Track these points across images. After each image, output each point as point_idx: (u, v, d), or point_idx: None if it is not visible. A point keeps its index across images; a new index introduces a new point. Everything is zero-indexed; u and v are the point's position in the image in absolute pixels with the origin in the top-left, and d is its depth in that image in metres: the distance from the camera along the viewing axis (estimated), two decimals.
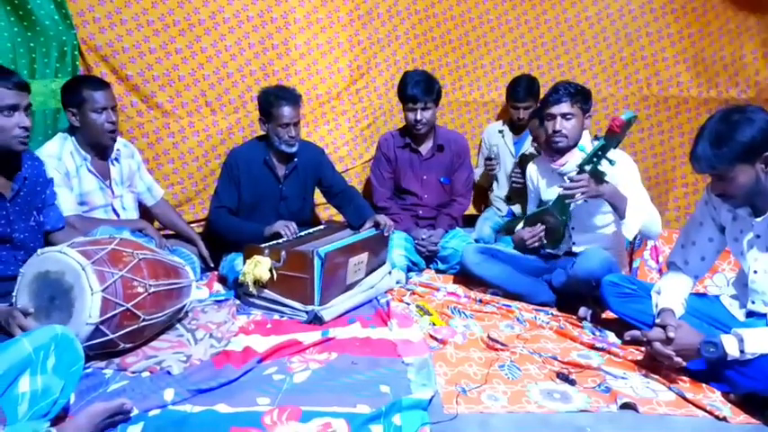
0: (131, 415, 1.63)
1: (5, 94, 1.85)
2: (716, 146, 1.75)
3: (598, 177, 2.32)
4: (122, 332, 1.91)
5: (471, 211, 3.70)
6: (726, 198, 1.86)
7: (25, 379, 1.45)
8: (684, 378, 1.94)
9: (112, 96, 2.54)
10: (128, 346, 1.98)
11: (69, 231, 2.27)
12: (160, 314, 2.05)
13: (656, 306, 2.04)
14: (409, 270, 3.01)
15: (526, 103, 3.36)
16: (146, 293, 1.97)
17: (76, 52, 2.84)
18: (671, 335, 1.87)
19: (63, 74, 2.77)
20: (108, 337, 1.87)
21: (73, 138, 2.51)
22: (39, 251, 1.90)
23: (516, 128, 3.50)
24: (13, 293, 1.87)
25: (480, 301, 2.67)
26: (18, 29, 2.63)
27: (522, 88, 3.37)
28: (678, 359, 1.87)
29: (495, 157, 3.52)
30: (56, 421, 1.51)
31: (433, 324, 2.38)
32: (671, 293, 2.04)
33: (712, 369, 1.88)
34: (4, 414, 1.34)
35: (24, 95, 1.91)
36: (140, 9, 2.93)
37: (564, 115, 2.50)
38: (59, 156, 2.44)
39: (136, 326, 1.95)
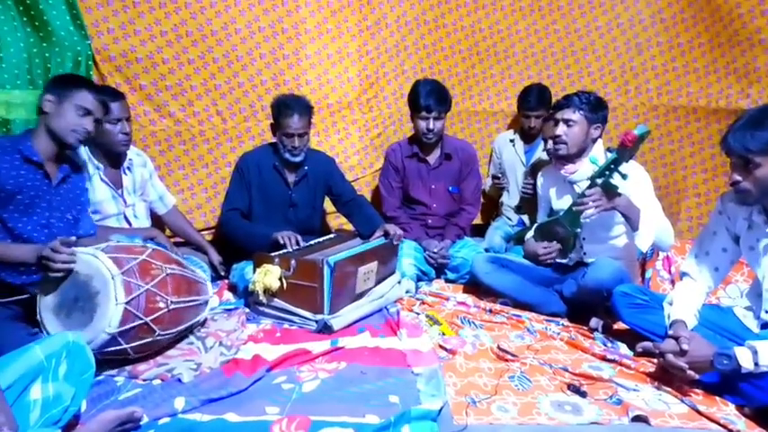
0: (141, 423, 1.63)
1: (89, 99, 2.11)
2: (754, 127, 1.75)
3: (610, 191, 2.31)
4: (136, 344, 1.93)
5: (481, 220, 3.71)
6: (740, 192, 1.84)
7: (37, 386, 1.46)
8: (697, 390, 1.92)
9: (127, 107, 2.57)
10: (137, 356, 1.99)
11: (98, 239, 2.29)
12: (174, 330, 2.07)
13: (669, 317, 2.02)
14: (419, 279, 3.01)
15: (537, 111, 3.36)
16: (165, 309, 1.99)
17: (90, 62, 2.88)
18: (684, 347, 1.85)
19: None
20: (121, 347, 1.89)
21: (86, 147, 2.53)
22: (73, 248, 1.91)
23: (527, 137, 3.50)
24: (38, 290, 1.90)
25: (490, 310, 2.66)
26: (34, 39, 2.68)
27: (533, 97, 3.38)
28: (691, 372, 1.85)
29: (503, 175, 3.54)
30: (67, 428, 1.52)
31: (443, 334, 2.37)
32: (683, 304, 2.03)
33: (726, 381, 1.86)
34: (16, 421, 1.35)
35: (99, 109, 2.16)
36: (153, 20, 2.97)
37: (566, 121, 2.50)
38: None
39: (150, 339, 1.97)
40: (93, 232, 2.32)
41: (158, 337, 1.99)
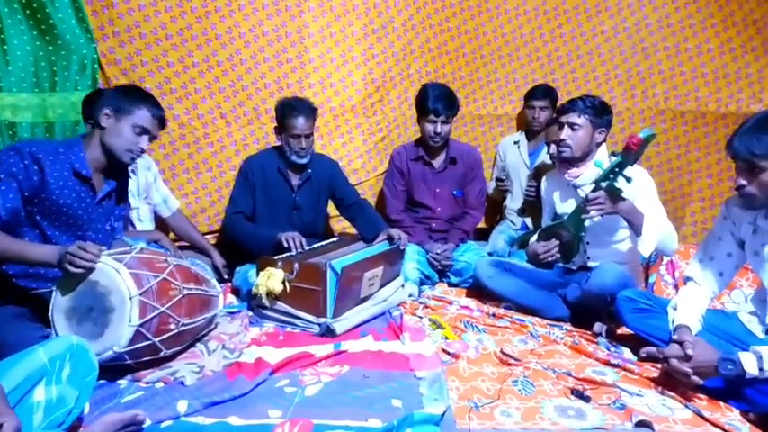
0: (144, 426, 1.63)
1: (148, 118, 2.05)
2: (761, 131, 1.74)
3: (614, 194, 2.30)
4: (141, 360, 1.93)
5: (485, 224, 3.70)
6: (745, 196, 1.83)
7: (40, 388, 1.46)
8: (702, 396, 1.91)
9: None
10: (141, 367, 1.99)
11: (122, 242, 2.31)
12: (179, 347, 2.08)
13: (673, 322, 2.01)
14: (422, 283, 3.01)
15: (543, 102, 3.38)
16: (176, 331, 1.98)
17: (96, 66, 2.90)
18: (689, 352, 1.84)
19: (83, 87, 2.83)
20: (126, 362, 1.89)
21: None
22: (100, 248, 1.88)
23: (532, 133, 3.49)
24: (55, 286, 1.87)
25: (493, 315, 2.65)
26: (40, 43, 2.70)
27: (539, 89, 3.43)
28: (695, 377, 1.84)
29: (507, 178, 3.54)
30: (70, 431, 1.52)
31: (446, 338, 2.37)
32: (687, 309, 2.01)
33: (731, 387, 1.85)
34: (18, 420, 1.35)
35: (156, 130, 2.11)
36: (159, 24, 2.99)
37: (571, 125, 2.51)
38: None
39: (155, 356, 1.97)
40: (120, 236, 2.30)
41: (162, 355, 1.99)
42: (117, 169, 2.15)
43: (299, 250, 2.62)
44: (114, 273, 1.83)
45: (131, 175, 2.67)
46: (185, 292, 2.03)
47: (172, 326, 1.97)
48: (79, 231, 2.06)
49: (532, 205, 3.35)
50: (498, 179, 3.60)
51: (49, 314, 1.86)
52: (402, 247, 2.79)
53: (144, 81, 3.03)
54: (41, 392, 1.46)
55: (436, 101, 3.02)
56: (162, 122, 2.13)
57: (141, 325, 1.84)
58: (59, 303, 1.85)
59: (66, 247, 1.79)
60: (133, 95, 2.08)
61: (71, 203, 2.00)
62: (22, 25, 2.66)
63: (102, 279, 1.83)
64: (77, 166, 1.99)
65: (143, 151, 2.09)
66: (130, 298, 1.82)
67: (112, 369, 1.92)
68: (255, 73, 3.24)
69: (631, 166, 2.27)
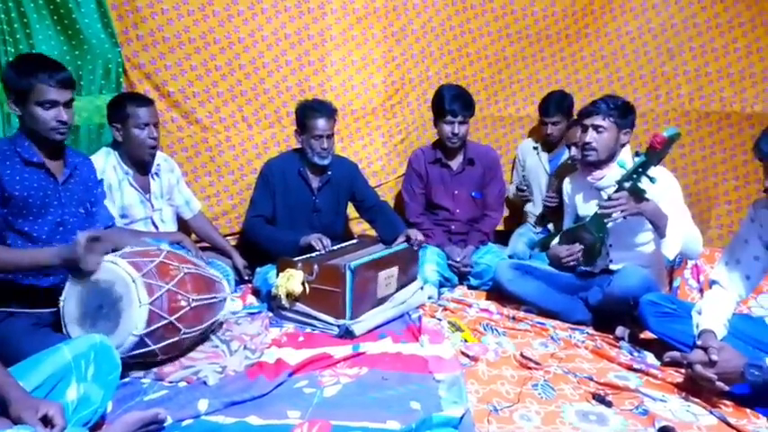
0: (165, 425, 1.65)
1: (46, 90, 1.92)
2: None
3: (638, 195, 2.27)
4: (163, 344, 1.96)
5: (504, 227, 3.67)
6: None
7: (73, 387, 1.49)
8: (727, 402, 1.87)
9: (155, 113, 2.61)
10: (165, 357, 2.02)
11: (118, 230, 2.35)
12: (198, 328, 2.10)
13: (697, 327, 1.98)
14: (441, 286, 3.00)
15: (554, 118, 3.32)
16: (188, 307, 2.01)
17: (121, 69, 2.95)
18: (713, 357, 1.80)
19: (108, 90, 2.87)
20: (149, 348, 1.92)
21: (116, 152, 2.60)
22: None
23: (548, 144, 3.46)
24: (61, 298, 1.91)
25: (513, 318, 2.63)
26: (67, 47, 2.76)
27: (551, 104, 3.34)
28: (720, 383, 1.80)
29: (528, 187, 3.50)
30: (93, 429, 1.55)
31: (465, 341, 2.36)
32: (713, 314, 1.98)
33: (757, 393, 1.81)
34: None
35: (65, 92, 1.96)
36: (182, 27, 3.03)
37: (596, 128, 2.48)
38: (103, 169, 2.52)
39: (176, 338, 1.99)
40: (112, 223, 2.34)
41: (183, 336, 2.01)
42: (59, 148, 2.07)
43: (326, 250, 2.64)
44: (112, 265, 1.90)
45: (155, 177, 2.72)
46: (185, 270, 2.07)
47: (183, 302, 2.00)
48: (57, 218, 2.04)
49: (552, 212, 3.30)
50: (519, 189, 3.56)
51: (63, 329, 1.90)
52: (416, 248, 2.79)
53: (167, 84, 3.07)
54: (74, 391, 1.49)
55: (453, 101, 3.01)
56: (65, 82, 1.96)
57: (152, 303, 1.88)
58: (70, 315, 1.91)
59: (67, 251, 1.81)
60: (21, 72, 1.93)
61: (34, 193, 1.97)
62: (50, 30, 2.72)
63: (103, 275, 1.89)
64: (26, 156, 1.97)
65: (65, 123, 1.97)
66: (133, 280, 1.87)
67: (138, 364, 1.95)
68: (277, 76, 3.27)
69: (655, 165, 2.24)
